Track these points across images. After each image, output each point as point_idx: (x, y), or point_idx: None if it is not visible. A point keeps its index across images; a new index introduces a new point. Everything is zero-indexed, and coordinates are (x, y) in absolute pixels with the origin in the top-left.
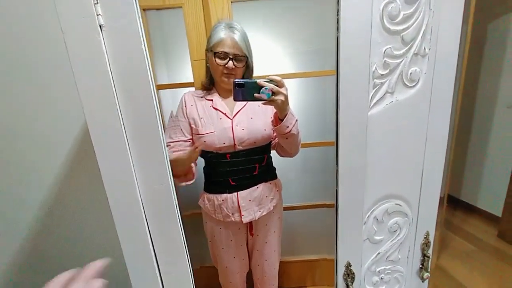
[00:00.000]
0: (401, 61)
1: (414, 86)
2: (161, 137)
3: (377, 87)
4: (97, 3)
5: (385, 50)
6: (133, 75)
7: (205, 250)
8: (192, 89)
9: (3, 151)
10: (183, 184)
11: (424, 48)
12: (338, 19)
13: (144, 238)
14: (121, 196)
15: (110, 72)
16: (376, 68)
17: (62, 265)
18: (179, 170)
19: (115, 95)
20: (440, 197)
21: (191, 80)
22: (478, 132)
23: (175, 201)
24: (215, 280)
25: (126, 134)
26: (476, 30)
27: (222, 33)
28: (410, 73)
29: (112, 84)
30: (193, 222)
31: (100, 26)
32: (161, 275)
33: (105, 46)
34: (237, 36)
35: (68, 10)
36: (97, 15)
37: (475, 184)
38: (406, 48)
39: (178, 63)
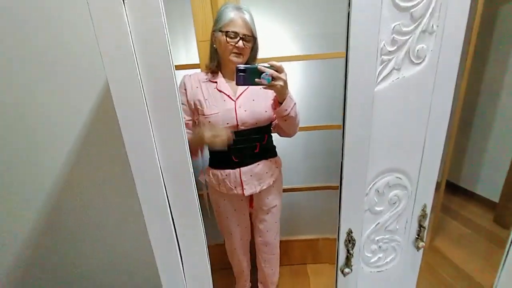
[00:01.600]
0: (409, 38)
1: (420, 63)
2: (180, 111)
3: (385, 63)
4: None
5: (394, 27)
6: (154, 47)
7: (207, 230)
8: (197, 70)
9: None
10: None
11: (432, 25)
12: None
13: (163, 202)
14: (142, 162)
15: (132, 44)
16: (384, 45)
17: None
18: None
19: (137, 66)
20: (437, 182)
21: (197, 61)
22: (481, 119)
23: (191, 169)
24: (218, 259)
25: (147, 105)
26: (487, 13)
27: (232, 14)
28: (417, 50)
29: (134, 55)
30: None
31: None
32: (177, 236)
33: (127, 19)
34: (247, 17)
35: None
36: None
37: (475, 171)
38: (415, 25)
39: (184, 44)
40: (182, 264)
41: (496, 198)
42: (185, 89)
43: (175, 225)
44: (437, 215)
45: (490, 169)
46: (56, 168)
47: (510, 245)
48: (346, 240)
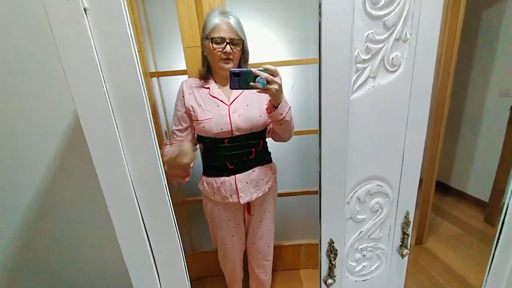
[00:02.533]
0: (383, 46)
1: (395, 71)
2: (149, 119)
3: (360, 71)
4: None
5: (368, 35)
6: (120, 59)
7: (202, 236)
8: (184, 76)
9: None
10: (179, 181)
11: (406, 33)
12: (320, 3)
13: (136, 218)
14: (112, 178)
15: (96, 56)
16: (358, 53)
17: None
18: (177, 171)
19: (102, 78)
20: (428, 183)
21: (184, 67)
22: (469, 119)
23: (165, 182)
24: (212, 266)
25: (114, 117)
26: (470, 17)
27: (216, 19)
28: (392, 58)
29: (99, 67)
30: (195, 208)
31: (84, 10)
32: (153, 253)
33: (90, 30)
34: (232, 21)
35: None
36: None
37: (465, 171)
38: (388, 33)
39: (171, 50)
40: (159, 280)
41: (486, 198)
42: (183, 96)
43: (150, 242)
44: (428, 215)
45: (480, 169)
46: (48, 172)
47: (497, 243)
48: (328, 251)
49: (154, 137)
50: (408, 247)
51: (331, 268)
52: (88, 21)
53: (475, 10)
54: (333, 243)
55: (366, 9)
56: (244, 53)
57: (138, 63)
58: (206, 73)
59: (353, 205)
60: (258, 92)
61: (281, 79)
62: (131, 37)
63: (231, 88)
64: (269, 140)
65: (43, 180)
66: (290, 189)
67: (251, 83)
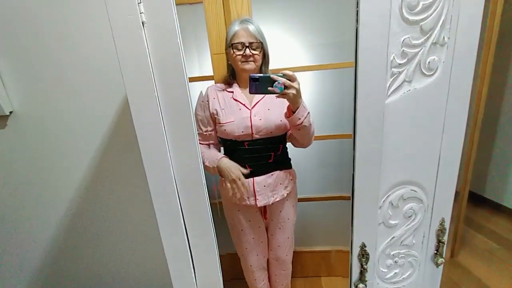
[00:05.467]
0: (420, 50)
1: (432, 75)
2: (193, 122)
3: (395, 76)
4: (140, 2)
5: (404, 40)
6: (170, 66)
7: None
8: (211, 82)
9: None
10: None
11: (443, 37)
12: (357, 11)
13: (177, 213)
14: (159, 175)
15: (150, 63)
16: (394, 58)
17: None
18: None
19: (154, 83)
20: (460, 193)
21: (211, 73)
22: (506, 125)
23: (204, 180)
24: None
25: (163, 118)
26: (507, 19)
27: (236, 27)
28: (428, 62)
29: (152, 74)
30: (221, 210)
31: (142, 23)
32: (191, 247)
33: (146, 41)
34: (250, 26)
35: (116, 9)
36: (140, 13)
37: (501, 180)
38: (425, 37)
39: (199, 57)
40: (195, 274)
41: None
42: (208, 100)
43: (188, 236)
44: (460, 228)
45: None
46: (78, 176)
47: None
48: (359, 254)
49: (196, 138)
50: (443, 256)
51: (363, 272)
52: (145, 33)
53: None
54: (365, 247)
55: (403, 14)
56: (265, 56)
57: (185, 71)
58: (230, 78)
59: (386, 209)
60: (277, 97)
61: (299, 84)
62: (181, 47)
63: (250, 92)
64: (289, 145)
65: (86, 175)
66: (310, 195)
67: (269, 88)
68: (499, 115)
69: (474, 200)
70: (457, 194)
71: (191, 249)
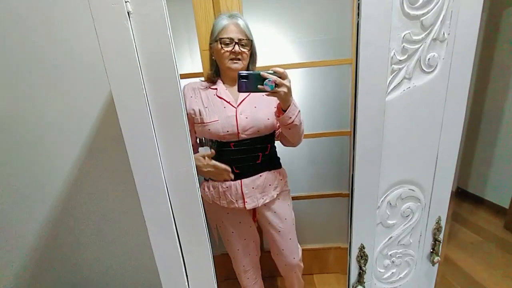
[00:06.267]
0: (420, 46)
1: (432, 71)
2: (185, 122)
3: (395, 72)
4: None
5: (404, 35)
6: (159, 60)
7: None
8: (195, 79)
9: (21, 143)
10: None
11: (443, 33)
12: (359, 4)
13: (168, 218)
14: (148, 178)
15: (137, 57)
16: (394, 54)
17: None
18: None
19: (142, 79)
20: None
21: (200, 70)
22: (488, 124)
23: (197, 184)
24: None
25: (152, 117)
26: (490, 17)
27: (225, 21)
28: (428, 59)
29: (139, 68)
30: None
31: (128, 13)
32: (183, 254)
33: (132, 32)
34: (240, 22)
35: None
36: (126, 2)
37: (483, 176)
38: (425, 33)
39: (189, 53)
40: (188, 282)
41: (506, 204)
42: (185, 100)
43: (181, 243)
44: (448, 222)
45: (499, 174)
46: (63, 173)
47: None
48: (358, 256)
49: (189, 139)
50: (439, 254)
51: (361, 274)
52: (131, 24)
53: (496, 9)
54: (363, 248)
55: (404, 8)
56: (252, 54)
57: (176, 65)
58: (214, 76)
59: (384, 209)
60: (267, 95)
61: (290, 82)
62: (171, 39)
63: (239, 91)
64: (278, 144)
65: (71, 177)
66: (301, 193)
67: (259, 86)
68: (482, 112)
69: (459, 195)
70: None
71: (184, 255)
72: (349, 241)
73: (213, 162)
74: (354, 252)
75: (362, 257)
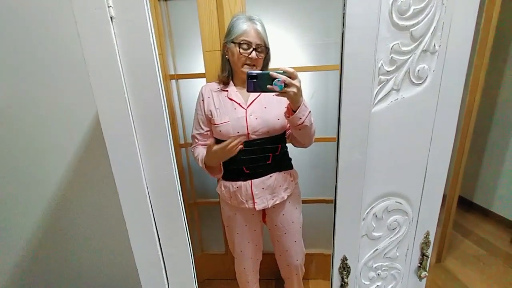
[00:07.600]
0: (409, 58)
1: (421, 83)
2: (167, 126)
3: (383, 83)
4: None
5: (393, 46)
6: (141, 66)
7: (212, 238)
8: (203, 79)
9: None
10: (216, 176)
11: (434, 45)
12: (344, 13)
13: (149, 222)
14: (128, 180)
15: (119, 62)
16: (382, 64)
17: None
18: (214, 165)
19: (124, 84)
20: (450, 197)
21: (203, 71)
22: (497, 134)
23: (178, 187)
24: (221, 268)
25: (133, 121)
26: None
27: (244, 25)
28: (418, 70)
29: (122, 73)
30: (207, 209)
31: (111, 18)
32: (164, 257)
33: (115, 37)
34: (259, 27)
35: (81, 1)
36: (109, 7)
37: (490, 187)
38: (415, 44)
39: (191, 53)
40: (168, 284)
41: None
42: (203, 100)
43: (161, 246)
44: (449, 233)
45: (507, 185)
46: (56, 174)
47: None
48: (340, 267)
49: (171, 143)
50: (427, 269)
51: (343, 286)
52: (113, 29)
53: (509, 14)
54: (346, 260)
55: (393, 19)
56: (265, 60)
57: (159, 71)
58: (227, 78)
59: (369, 221)
60: (276, 95)
61: (300, 82)
62: (154, 45)
63: (248, 91)
64: (289, 145)
65: (61, 180)
66: (305, 197)
67: (269, 86)
68: (491, 122)
69: (463, 205)
70: (445, 198)
71: (164, 258)
72: (332, 251)
73: (218, 145)
74: (337, 263)
75: (345, 268)
